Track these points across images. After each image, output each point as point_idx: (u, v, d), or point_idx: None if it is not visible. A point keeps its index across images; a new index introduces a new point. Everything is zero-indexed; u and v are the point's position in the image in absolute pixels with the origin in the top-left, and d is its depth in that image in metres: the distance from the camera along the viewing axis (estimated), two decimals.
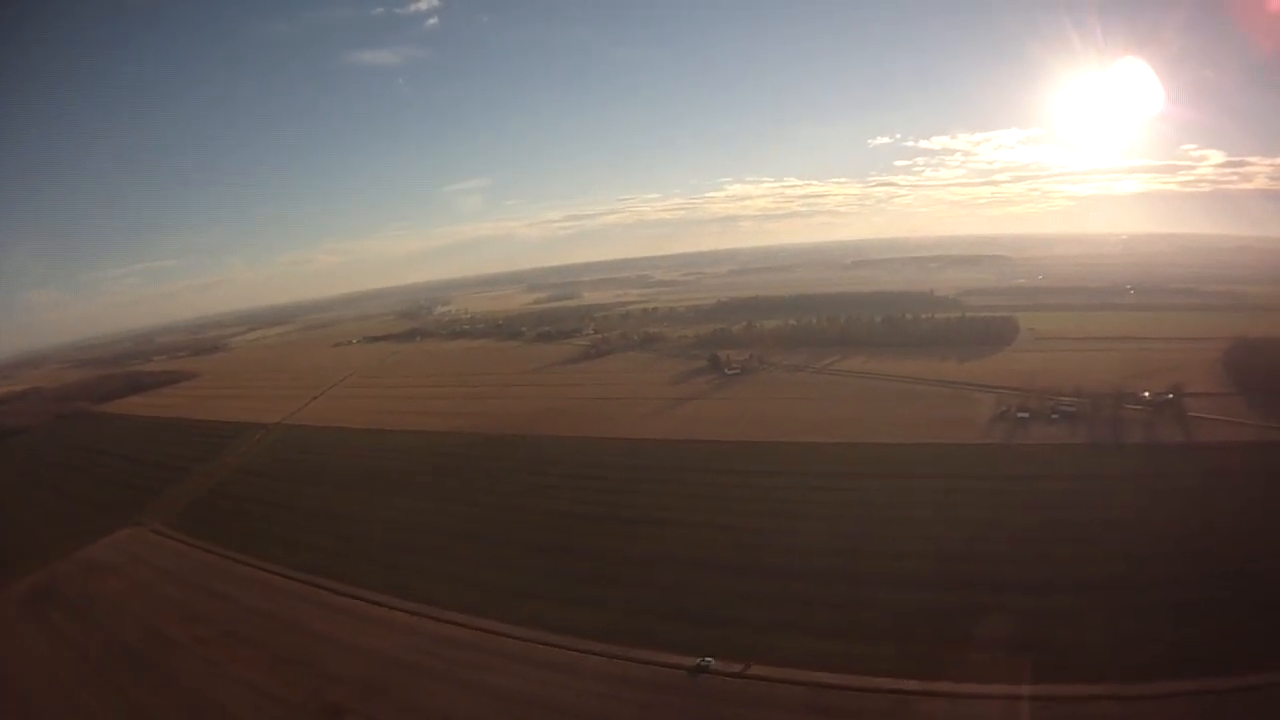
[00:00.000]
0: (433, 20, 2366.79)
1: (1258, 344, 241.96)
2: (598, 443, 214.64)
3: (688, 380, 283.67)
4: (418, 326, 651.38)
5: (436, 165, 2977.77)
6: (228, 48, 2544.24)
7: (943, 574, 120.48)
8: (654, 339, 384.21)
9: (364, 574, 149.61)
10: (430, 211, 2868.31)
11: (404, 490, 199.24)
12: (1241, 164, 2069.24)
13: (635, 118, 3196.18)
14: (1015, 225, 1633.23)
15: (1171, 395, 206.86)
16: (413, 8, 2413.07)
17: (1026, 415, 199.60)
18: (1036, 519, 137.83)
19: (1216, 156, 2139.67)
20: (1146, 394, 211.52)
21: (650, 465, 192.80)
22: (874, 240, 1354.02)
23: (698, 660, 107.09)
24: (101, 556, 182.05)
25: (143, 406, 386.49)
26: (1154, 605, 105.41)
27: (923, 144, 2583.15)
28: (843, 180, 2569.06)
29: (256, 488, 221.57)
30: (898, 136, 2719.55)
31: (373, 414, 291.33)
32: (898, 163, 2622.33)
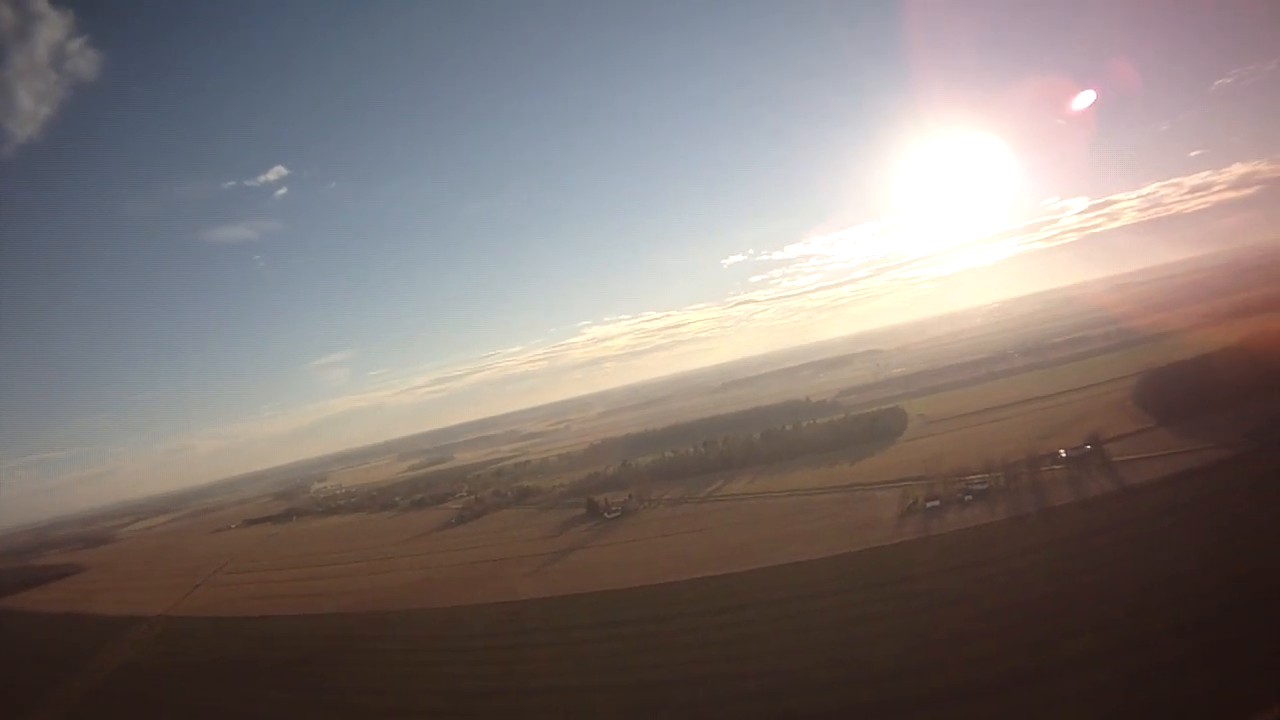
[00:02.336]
0: (282, 191, 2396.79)
1: (1166, 372, 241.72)
2: (477, 610, 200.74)
3: (567, 531, 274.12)
4: (294, 506, 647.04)
5: (300, 341, 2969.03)
6: (91, 227, 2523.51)
7: (884, 699, 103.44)
8: (529, 493, 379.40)
9: None
10: (300, 389, 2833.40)
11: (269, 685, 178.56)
12: (1106, 205, 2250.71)
13: (490, 273, 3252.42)
14: (883, 318, 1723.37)
15: (1090, 446, 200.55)
16: (261, 179, 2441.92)
17: (937, 503, 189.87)
18: (971, 610, 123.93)
19: (1080, 203, 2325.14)
20: (1063, 452, 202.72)
21: (536, 628, 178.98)
22: (741, 360, 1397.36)
23: None
24: None
25: (35, 602, 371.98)
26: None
27: (776, 255, 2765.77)
28: (701, 306, 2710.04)
29: (133, 686, 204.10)
30: (750, 252, 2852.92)
31: (250, 600, 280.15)
32: (753, 278, 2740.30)
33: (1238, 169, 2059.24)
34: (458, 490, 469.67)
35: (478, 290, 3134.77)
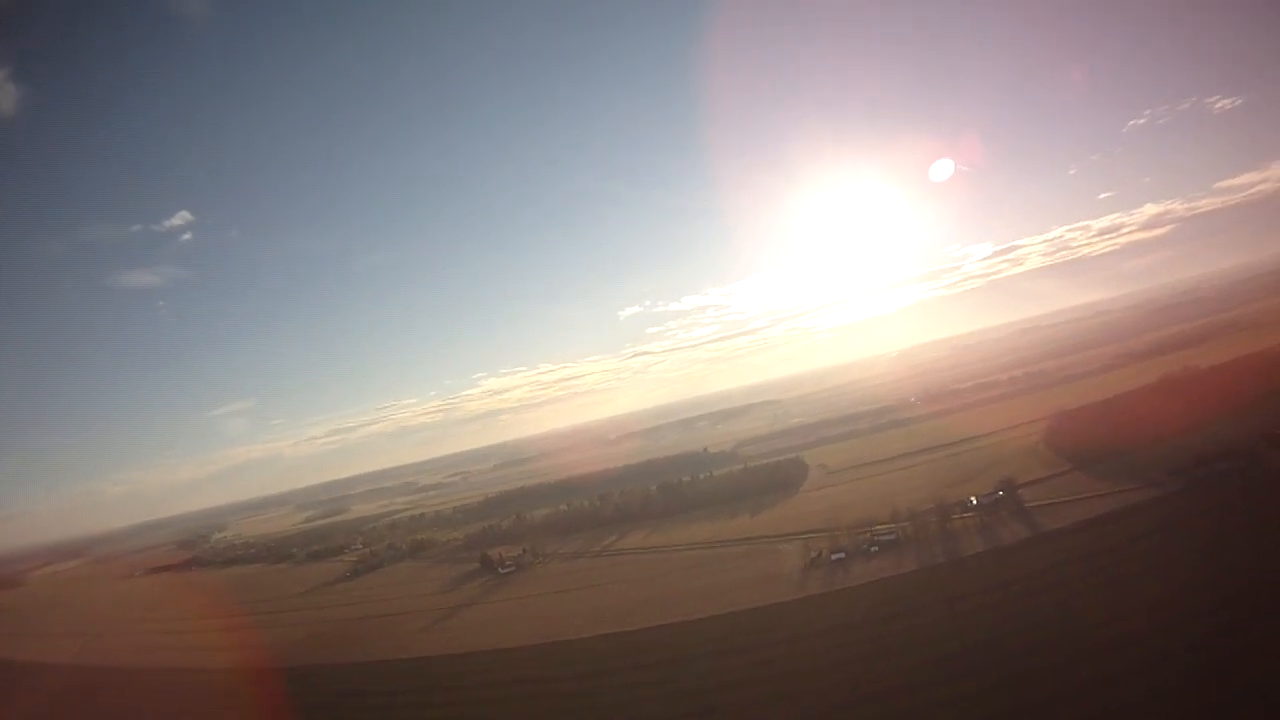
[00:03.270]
0: (186, 236, 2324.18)
1: (1079, 414, 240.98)
2: (369, 668, 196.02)
3: (460, 586, 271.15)
4: (197, 555, 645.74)
5: (202, 389, 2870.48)
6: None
7: None
8: (423, 546, 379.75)
9: None
10: (202, 436, 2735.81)
11: None
12: (1011, 250, 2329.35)
13: (386, 323, 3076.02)
14: (782, 368, 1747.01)
15: (1002, 492, 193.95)
16: (167, 224, 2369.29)
17: (842, 555, 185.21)
18: (881, 668, 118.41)
19: (984, 249, 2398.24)
20: (974, 499, 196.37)
21: (425, 687, 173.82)
22: (637, 411, 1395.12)
23: None
24: None
25: None
26: None
27: (673, 306, 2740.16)
28: (597, 357, 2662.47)
29: None
30: (647, 304, 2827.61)
31: (150, 651, 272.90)
32: (650, 330, 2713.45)
33: (1149, 209, 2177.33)
34: (353, 543, 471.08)
35: (374, 341, 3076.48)
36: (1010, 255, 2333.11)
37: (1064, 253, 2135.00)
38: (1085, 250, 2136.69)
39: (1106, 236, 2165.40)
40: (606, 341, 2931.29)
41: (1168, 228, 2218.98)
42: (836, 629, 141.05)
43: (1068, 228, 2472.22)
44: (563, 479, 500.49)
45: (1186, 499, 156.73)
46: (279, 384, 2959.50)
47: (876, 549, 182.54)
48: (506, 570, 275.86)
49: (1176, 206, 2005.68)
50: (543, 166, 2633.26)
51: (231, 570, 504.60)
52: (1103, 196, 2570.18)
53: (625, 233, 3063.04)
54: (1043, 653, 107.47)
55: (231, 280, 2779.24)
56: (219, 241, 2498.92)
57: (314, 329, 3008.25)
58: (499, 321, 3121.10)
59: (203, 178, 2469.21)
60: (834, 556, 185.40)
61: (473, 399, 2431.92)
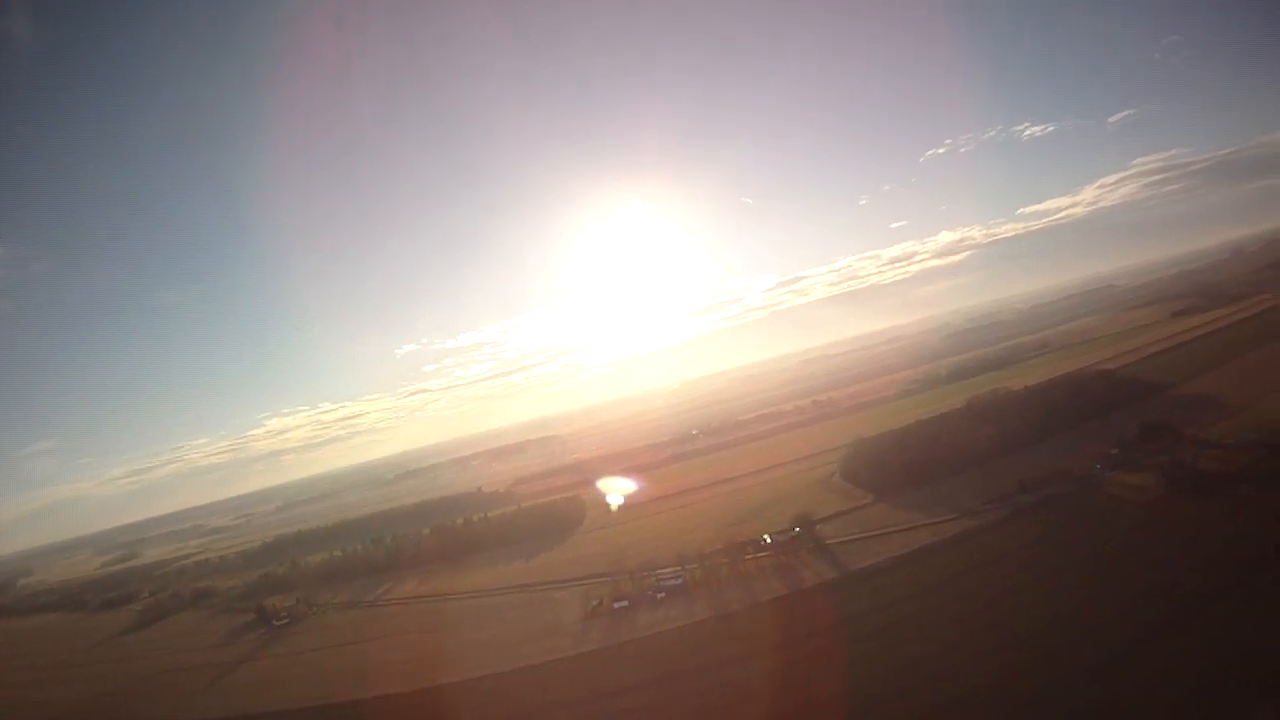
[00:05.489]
0: None
1: (878, 442, 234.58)
2: None
3: (239, 639, 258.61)
4: (2, 603, 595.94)
5: (7, 427, 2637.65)
6: None
7: None
8: (205, 594, 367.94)
9: None
10: (10, 477, 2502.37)
11: None
12: (796, 280, 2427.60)
13: (179, 360, 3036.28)
14: (559, 404, 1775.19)
15: (798, 529, 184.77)
16: None
17: (625, 603, 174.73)
18: None
19: (768, 280, 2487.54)
20: (767, 537, 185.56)
21: None
22: (415, 450, 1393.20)
23: None
24: None
25: None
26: None
27: (449, 344, 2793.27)
28: (376, 396, 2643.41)
29: None
30: (424, 341, 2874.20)
31: None
32: (427, 368, 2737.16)
33: (945, 237, 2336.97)
34: (143, 590, 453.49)
35: (170, 379, 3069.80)
36: (795, 286, 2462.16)
37: (852, 282, 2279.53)
38: (875, 279, 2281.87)
39: (898, 264, 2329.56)
40: (385, 380, 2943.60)
41: (964, 254, 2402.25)
42: (623, 690, 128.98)
43: (856, 257, 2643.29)
44: (338, 522, 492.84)
45: (1012, 528, 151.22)
46: (84, 422, 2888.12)
47: (663, 595, 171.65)
48: (280, 622, 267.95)
49: (974, 233, 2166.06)
50: (315, 204, 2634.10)
51: (33, 620, 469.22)
52: (895, 225, 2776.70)
53: (401, 271, 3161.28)
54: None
55: (37, 314, 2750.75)
56: (27, 275, 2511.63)
57: (115, 365, 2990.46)
58: (282, 360, 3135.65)
59: (10, 207, 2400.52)
60: (616, 605, 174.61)
61: (258, 439, 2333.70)
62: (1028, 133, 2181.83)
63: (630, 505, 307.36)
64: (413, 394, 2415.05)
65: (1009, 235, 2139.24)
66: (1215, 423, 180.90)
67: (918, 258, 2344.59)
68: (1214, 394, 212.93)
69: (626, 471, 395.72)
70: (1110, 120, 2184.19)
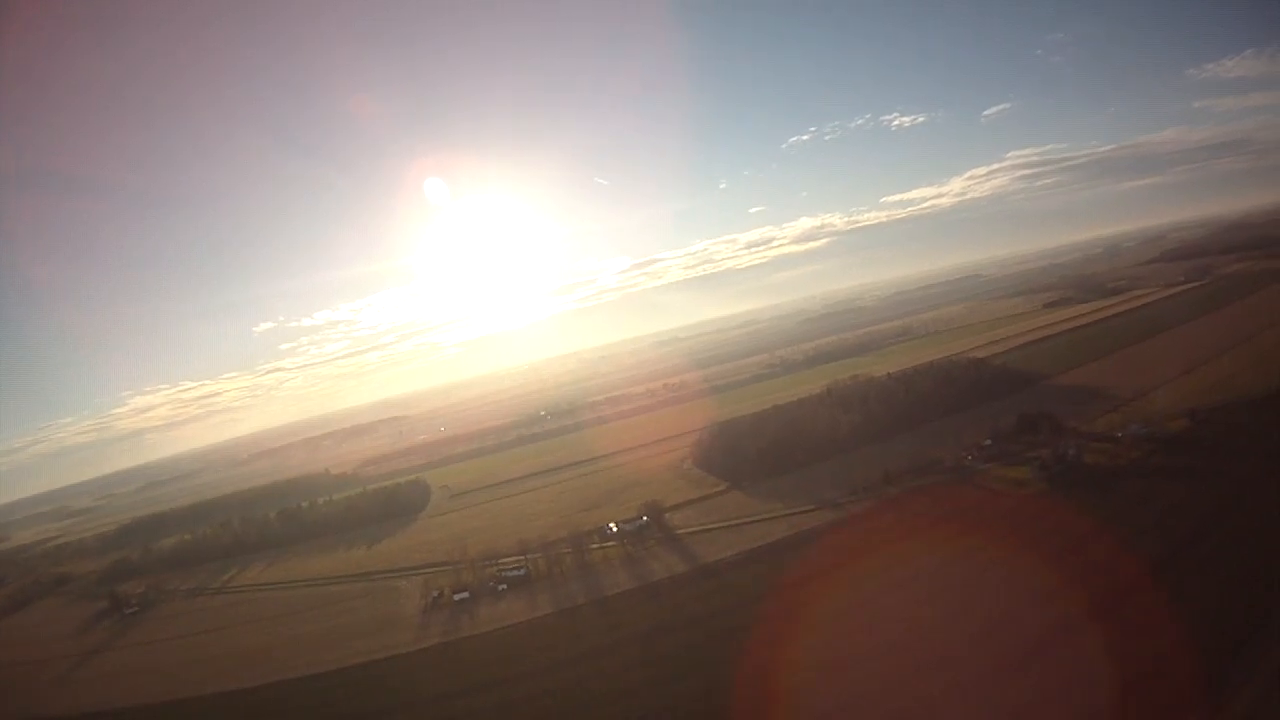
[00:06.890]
0: None
1: (731, 427, 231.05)
2: None
3: (93, 628, 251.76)
4: None
5: None
6: None
7: None
8: (64, 580, 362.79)
9: None
10: None
11: None
12: (650, 263, 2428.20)
13: (43, 337, 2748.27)
14: (410, 383, 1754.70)
15: (646, 518, 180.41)
16: None
17: (466, 595, 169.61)
18: None
19: (621, 263, 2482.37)
20: (614, 525, 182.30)
21: None
22: (270, 429, 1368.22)
23: None
24: None
25: None
26: None
27: (305, 322, 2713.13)
28: (233, 374, 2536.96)
29: None
30: (281, 319, 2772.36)
31: None
32: (283, 346, 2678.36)
33: (805, 223, 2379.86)
34: (7, 576, 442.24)
35: (34, 357, 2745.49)
36: (650, 268, 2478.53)
37: (707, 265, 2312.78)
38: (731, 263, 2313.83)
39: (755, 249, 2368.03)
40: (244, 358, 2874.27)
41: (824, 240, 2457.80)
42: (461, 693, 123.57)
43: (712, 241, 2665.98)
44: (193, 503, 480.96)
45: (877, 520, 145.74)
46: None
47: (505, 586, 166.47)
48: (131, 611, 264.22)
49: (835, 220, 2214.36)
50: (171, 175, 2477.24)
51: None
52: (754, 210, 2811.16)
53: (261, 246, 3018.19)
54: None
55: None
56: None
57: None
58: (143, 337, 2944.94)
59: None
60: (457, 596, 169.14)
61: (122, 417, 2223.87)
62: (896, 123, 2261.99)
63: (474, 489, 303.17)
64: (269, 372, 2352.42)
65: (871, 223, 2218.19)
66: (1100, 415, 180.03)
67: (775, 243, 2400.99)
68: (1096, 386, 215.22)
69: (473, 454, 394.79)
70: (985, 114, 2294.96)
